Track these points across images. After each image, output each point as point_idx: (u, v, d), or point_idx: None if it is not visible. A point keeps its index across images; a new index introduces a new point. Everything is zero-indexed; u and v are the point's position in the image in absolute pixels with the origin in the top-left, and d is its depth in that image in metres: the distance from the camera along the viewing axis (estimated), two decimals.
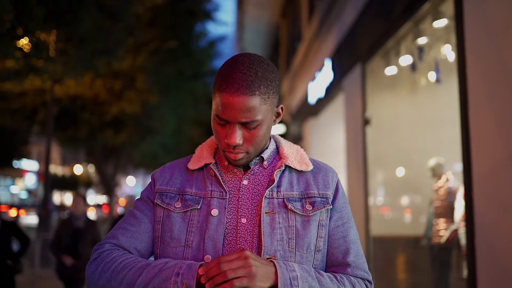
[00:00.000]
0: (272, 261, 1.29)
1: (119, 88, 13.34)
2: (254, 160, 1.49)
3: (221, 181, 1.46)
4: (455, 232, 5.03)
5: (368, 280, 1.45)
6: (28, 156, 30.79)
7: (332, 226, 1.47)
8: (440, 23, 4.15)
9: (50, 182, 12.90)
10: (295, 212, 1.42)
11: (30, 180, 41.29)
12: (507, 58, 2.77)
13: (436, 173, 5.47)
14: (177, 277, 1.25)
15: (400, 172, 6.44)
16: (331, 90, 7.86)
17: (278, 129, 14.79)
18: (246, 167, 1.51)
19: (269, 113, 1.39)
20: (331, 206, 1.47)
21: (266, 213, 1.40)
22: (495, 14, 2.97)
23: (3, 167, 25.27)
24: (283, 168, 1.48)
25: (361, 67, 6.08)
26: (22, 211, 25.29)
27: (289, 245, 1.39)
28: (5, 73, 7.85)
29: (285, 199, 1.43)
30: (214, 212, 1.41)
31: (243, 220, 1.42)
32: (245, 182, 1.47)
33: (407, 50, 5.17)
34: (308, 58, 10.71)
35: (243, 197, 1.45)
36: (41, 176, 40.31)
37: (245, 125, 1.36)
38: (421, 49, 4.91)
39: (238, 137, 1.35)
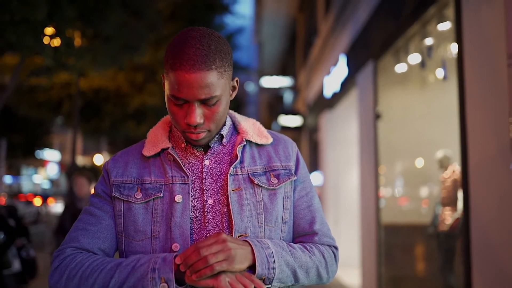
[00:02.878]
0: (247, 241, 1.28)
1: (141, 81, 13.75)
2: (214, 139, 1.45)
3: (181, 165, 1.41)
4: (458, 219, 5.35)
5: (334, 246, 1.49)
6: (50, 146, 31.51)
7: (297, 197, 1.48)
8: (444, 26, 4.46)
9: (74, 172, 13.37)
10: (261, 186, 1.41)
11: (52, 170, 42.02)
12: (498, 62, 3.09)
13: (443, 164, 5.77)
14: (153, 273, 1.22)
15: (412, 163, 6.75)
16: (346, 85, 8.17)
17: (294, 121, 15.08)
18: (205, 147, 1.46)
19: (227, 87, 1.35)
20: (295, 177, 1.47)
21: (232, 190, 1.38)
22: (488, 23, 3.29)
23: (26, 157, 25.95)
24: (244, 143, 1.46)
25: (373, 64, 6.39)
26: (51, 199, 25.81)
27: (258, 220, 1.39)
28: (37, 69, 8.30)
29: (249, 174, 1.42)
30: (178, 198, 1.37)
31: (210, 201, 1.38)
32: (206, 162, 1.43)
33: (416, 49, 5.47)
34: (324, 52, 10.99)
35: (206, 178, 1.41)
36: (63, 166, 41.14)
37: (204, 103, 1.31)
38: (429, 47, 5.21)
39: (198, 115, 1.31)
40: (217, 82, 1.29)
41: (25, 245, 5.82)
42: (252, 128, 1.52)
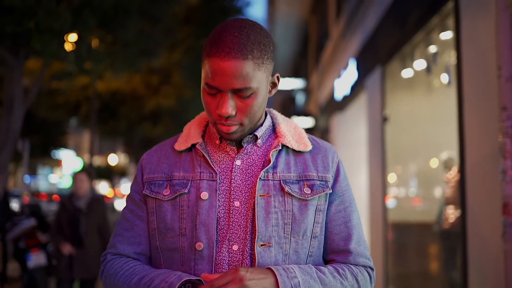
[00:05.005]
0: (271, 270, 1.23)
1: (156, 83, 14.12)
2: (247, 138, 1.39)
3: (209, 161, 1.36)
4: (459, 217, 5.59)
5: (370, 267, 1.41)
6: (66, 146, 32.01)
7: (333, 211, 1.40)
8: (446, 35, 4.71)
9: (93, 172, 13.74)
10: (292, 195, 1.34)
11: (68, 170, 42.67)
12: (491, 71, 3.35)
13: (448, 165, 6.01)
14: None
15: (418, 165, 7.01)
16: (355, 89, 8.43)
17: (306, 122, 15.32)
18: (239, 145, 1.40)
19: (264, 82, 1.29)
20: (331, 191, 1.39)
21: (260, 196, 1.32)
22: (483, 34, 3.55)
23: (43, 157, 26.45)
24: (280, 147, 1.38)
25: (381, 69, 6.66)
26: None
27: (284, 230, 1.32)
28: (58, 73, 8.67)
29: (281, 181, 1.34)
30: (204, 195, 1.32)
31: (236, 203, 1.33)
32: (238, 162, 1.37)
33: (421, 55, 5.71)
34: (335, 56, 11.24)
35: (236, 179, 1.35)
36: (78, 166, 41.70)
37: (238, 94, 1.26)
38: (435, 54, 5.46)
39: (230, 106, 1.25)
40: (253, 74, 1.24)
41: (50, 241, 6.12)
42: (292, 132, 1.44)
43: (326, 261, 1.43)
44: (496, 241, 3.25)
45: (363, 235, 1.44)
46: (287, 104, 22.78)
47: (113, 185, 44.21)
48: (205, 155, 1.36)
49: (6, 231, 6.63)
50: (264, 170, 1.34)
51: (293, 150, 1.41)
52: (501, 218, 3.08)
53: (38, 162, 32.05)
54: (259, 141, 1.40)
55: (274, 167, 1.36)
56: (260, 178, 1.33)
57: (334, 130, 11.09)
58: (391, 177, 6.91)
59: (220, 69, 1.22)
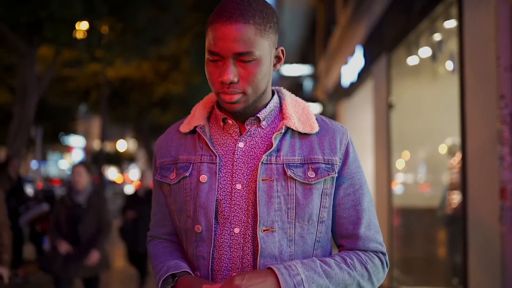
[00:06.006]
0: (271, 269, 1.20)
1: (165, 70, 14.23)
2: (250, 120, 1.36)
3: (209, 144, 1.35)
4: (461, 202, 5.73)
5: (381, 252, 1.36)
6: (75, 132, 32.30)
7: (342, 194, 1.37)
8: (450, 23, 4.81)
9: (103, 158, 13.97)
10: (295, 179, 1.30)
11: (77, 156, 43.06)
12: (490, 61, 3.47)
13: (452, 151, 6.13)
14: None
15: (423, 151, 7.13)
16: (362, 75, 8.53)
17: (315, 108, 15.41)
18: (243, 128, 1.38)
19: (267, 51, 1.28)
20: (336, 174, 1.35)
21: (262, 180, 1.29)
22: (484, 24, 3.66)
23: (52, 143, 26.76)
24: (283, 130, 1.34)
25: (387, 57, 6.75)
26: None
27: (288, 215, 1.29)
28: (70, 61, 8.83)
29: (284, 165, 1.31)
30: (203, 178, 1.32)
31: (238, 186, 1.31)
32: (240, 144, 1.35)
33: (427, 43, 5.80)
34: (342, 42, 11.31)
35: (238, 161, 1.33)
36: (88, 152, 42.07)
37: (240, 59, 1.24)
38: (440, 41, 5.55)
39: (232, 72, 1.23)
40: (255, 39, 1.23)
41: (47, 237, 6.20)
42: (299, 113, 1.39)
43: (338, 246, 1.41)
44: (494, 224, 3.39)
45: (375, 218, 1.40)
46: (294, 90, 22.85)
47: (122, 171, 44.60)
48: (205, 138, 1.35)
49: (19, 215, 6.82)
50: (266, 153, 1.30)
51: (299, 133, 1.36)
52: (498, 202, 3.22)
53: (48, 148, 32.34)
54: (263, 122, 1.37)
55: (278, 150, 1.32)
56: (262, 162, 1.30)
57: (342, 116, 11.20)
58: (400, 163, 7.04)
59: (222, 33, 1.22)
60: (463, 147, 4.07)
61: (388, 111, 6.62)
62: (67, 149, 41.69)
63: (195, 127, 1.38)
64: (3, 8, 5.87)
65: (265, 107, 1.37)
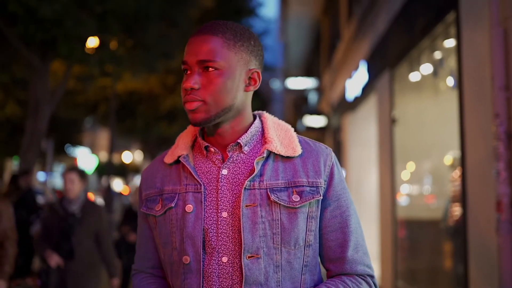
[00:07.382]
0: None
1: (172, 83, 14.45)
2: (231, 146, 1.35)
3: (193, 173, 1.33)
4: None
5: (369, 275, 1.35)
6: (81, 144, 32.42)
7: (329, 216, 1.35)
8: (449, 42, 5.01)
9: (112, 170, 14.15)
10: (279, 203, 1.28)
11: (89, 164, 43.12)
12: (486, 80, 3.65)
13: (454, 164, 6.29)
14: None
15: (425, 164, 7.28)
16: (366, 90, 8.71)
17: (320, 121, 15.54)
18: (226, 155, 1.36)
19: (235, 66, 1.29)
20: (321, 197, 1.33)
21: (246, 206, 1.27)
22: (479, 47, 3.86)
23: (59, 154, 26.91)
24: (265, 154, 1.32)
25: (390, 72, 6.95)
26: (90, 194, 26.70)
27: (273, 241, 1.27)
28: (81, 75, 9.07)
29: (268, 190, 1.29)
30: (189, 208, 1.30)
31: (224, 214, 1.29)
32: (224, 171, 1.33)
33: (428, 60, 5.99)
34: (346, 57, 11.49)
35: (222, 189, 1.31)
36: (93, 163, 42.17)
37: (204, 66, 1.27)
38: (441, 59, 5.73)
39: (194, 79, 1.26)
40: (221, 50, 1.26)
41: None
42: (281, 137, 1.37)
43: (326, 270, 1.41)
44: (491, 236, 3.56)
45: (363, 240, 1.38)
46: (299, 103, 23.00)
47: (127, 182, 44.71)
48: (189, 167, 1.34)
49: (30, 224, 6.91)
50: (249, 179, 1.29)
51: (282, 156, 1.34)
52: (495, 214, 3.39)
53: (54, 159, 32.48)
54: (245, 148, 1.35)
55: (261, 175, 1.31)
56: (245, 187, 1.28)
57: (346, 129, 11.36)
58: (405, 175, 7.19)
59: (191, 43, 1.29)
60: (463, 161, 4.25)
61: (391, 125, 6.79)
62: (73, 160, 41.78)
63: (179, 157, 1.37)
64: (21, 26, 6.10)
65: (246, 132, 1.37)
